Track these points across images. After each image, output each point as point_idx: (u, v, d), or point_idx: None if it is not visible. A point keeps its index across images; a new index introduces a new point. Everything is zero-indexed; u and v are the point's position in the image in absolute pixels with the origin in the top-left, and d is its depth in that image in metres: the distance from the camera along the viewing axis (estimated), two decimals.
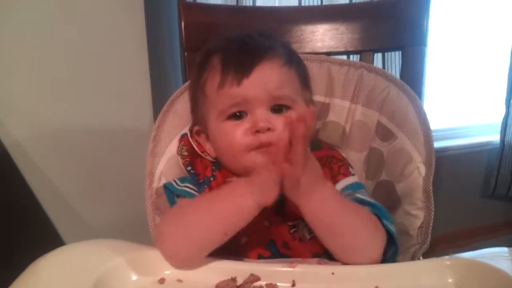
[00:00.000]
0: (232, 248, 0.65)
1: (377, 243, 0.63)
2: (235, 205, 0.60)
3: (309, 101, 0.77)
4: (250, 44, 0.70)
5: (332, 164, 0.73)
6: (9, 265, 0.55)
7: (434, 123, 0.75)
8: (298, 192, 0.58)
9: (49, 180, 1.18)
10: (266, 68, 0.67)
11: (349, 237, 0.62)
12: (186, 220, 0.61)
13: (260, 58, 0.67)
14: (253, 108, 0.67)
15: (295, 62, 0.73)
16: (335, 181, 0.71)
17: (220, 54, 0.70)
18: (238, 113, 0.68)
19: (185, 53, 0.94)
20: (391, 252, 0.65)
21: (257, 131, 0.65)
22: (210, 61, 0.70)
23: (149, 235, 0.75)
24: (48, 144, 1.16)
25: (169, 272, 0.60)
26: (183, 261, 0.60)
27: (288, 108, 0.69)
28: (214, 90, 0.68)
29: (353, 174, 0.74)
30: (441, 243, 0.59)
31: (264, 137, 0.65)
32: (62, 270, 0.55)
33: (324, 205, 0.60)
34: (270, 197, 0.57)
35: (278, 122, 0.66)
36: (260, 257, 0.64)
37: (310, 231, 0.65)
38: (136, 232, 0.78)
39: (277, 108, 0.68)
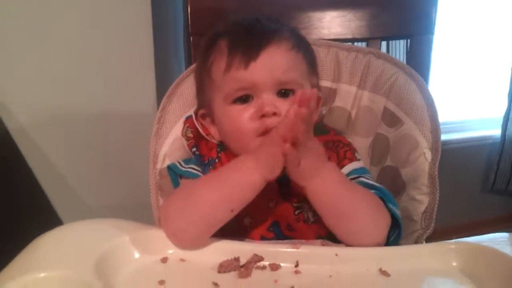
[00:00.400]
0: (236, 230, 0.65)
1: (382, 226, 0.63)
2: (241, 180, 0.60)
3: (316, 86, 0.77)
4: (257, 27, 0.69)
5: (339, 149, 0.73)
6: (10, 246, 0.54)
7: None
8: (299, 174, 0.59)
9: (52, 164, 1.18)
10: (274, 51, 0.67)
11: (353, 220, 0.62)
12: (192, 198, 0.61)
13: (268, 41, 0.67)
14: (259, 92, 0.66)
15: (303, 46, 0.73)
16: (341, 165, 0.71)
17: (227, 38, 0.69)
18: (244, 97, 0.67)
19: (191, 38, 0.93)
20: (394, 236, 0.65)
21: (263, 116, 0.65)
22: (216, 44, 0.70)
23: (152, 217, 0.75)
24: (51, 128, 1.17)
25: (172, 251, 0.60)
26: (189, 240, 0.60)
27: (294, 92, 0.68)
28: (221, 73, 0.68)
29: (359, 159, 0.74)
30: (440, 236, 0.60)
31: (270, 122, 0.65)
32: (63, 248, 0.55)
33: (327, 187, 0.61)
34: (275, 170, 0.58)
35: (285, 106, 0.66)
36: (263, 238, 0.65)
37: (314, 213, 0.65)
38: (139, 214, 0.78)
39: (284, 92, 0.68)
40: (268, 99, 0.66)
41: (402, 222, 0.66)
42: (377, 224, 0.63)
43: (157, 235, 0.60)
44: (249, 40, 0.67)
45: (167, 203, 0.67)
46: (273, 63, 0.66)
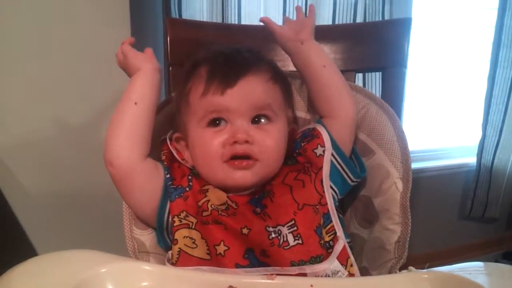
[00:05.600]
0: (210, 259, 0.65)
1: (353, 102, 0.78)
2: (135, 78, 0.71)
3: (292, 119, 0.79)
4: (237, 57, 0.71)
5: (310, 171, 0.73)
6: None
7: (412, 145, 0.77)
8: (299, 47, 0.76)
9: (26, 191, 1.16)
10: (251, 80, 0.69)
11: (331, 86, 0.76)
12: (112, 119, 0.69)
13: (246, 71, 0.69)
14: (234, 119, 0.68)
15: (281, 79, 0.75)
16: (319, 180, 0.72)
17: (207, 65, 0.71)
18: (217, 121, 0.69)
19: (170, 68, 0.95)
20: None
21: (235, 142, 0.66)
22: (196, 71, 0.71)
23: (126, 246, 0.74)
24: (25, 154, 1.15)
25: (146, 283, 0.59)
26: (122, 161, 0.66)
27: (269, 120, 0.70)
28: (197, 97, 0.69)
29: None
30: (418, 263, 0.60)
31: (240, 148, 0.66)
32: (36, 280, 0.54)
33: (319, 50, 0.78)
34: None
35: (259, 135, 0.68)
36: (238, 266, 0.64)
37: (296, 237, 0.65)
38: (116, 244, 0.77)
39: (258, 120, 0.69)
40: (242, 126, 0.67)
41: (376, 252, 0.67)
42: (351, 98, 0.78)
43: (131, 267, 0.60)
44: (228, 68, 0.69)
45: None
46: (250, 90, 0.68)
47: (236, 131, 0.67)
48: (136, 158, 0.67)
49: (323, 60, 0.77)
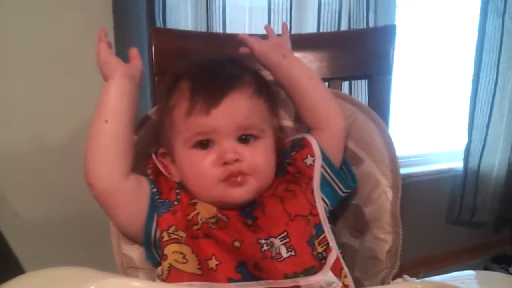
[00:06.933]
0: (202, 274, 0.63)
1: (340, 112, 0.77)
2: (106, 87, 0.66)
3: (277, 128, 0.78)
4: (220, 72, 0.70)
5: (301, 182, 0.72)
6: None
7: (399, 150, 0.77)
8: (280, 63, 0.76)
9: (12, 207, 1.14)
10: (236, 98, 0.67)
11: (317, 97, 0.76)
12: (88, 136, 0.66)
13: (230, 89, 0.67)
14: (220, 139, 0.67)
15: (264, 91, 0.73)
16: (309, 188, 0.71)
17: (189, 80, 0.69)
18: (204, 142, 0.68)
19: (155, 78, 0.93)
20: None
21: (226, 163, 0.66)
22: (178, 86, 0.70)
23: (113, 262, 0.72)
24: (10, 165, 1.13)
25: None
26: (103, 183, 0.64)
27: (255, 138, 0.69)
28: (182, 116, 0.68)
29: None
30: (407, 269, 0.60)
31: (233, 167, 0.66)
32: None
33: (301, 66, 0.77)
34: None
35: (246, 152, 0.67)
36: (231, 280, 0.63)
37: (288, 249, 0.64)
38: (105, 261, 0.75)
39: (244, 138, 0.68)
40: (230, 146, 0.66)
41: (367, 262, 0.66)
42: (337, 107, 0.77)
43: (121, 284, 0.58)
44: (211, 85, 0.67)
45: None
46: (235, 110, 0.67)
47: (224, 151, 0.66)
48: (116, 178, 0.65)
49: (307, 72, 0.77)
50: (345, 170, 0.77)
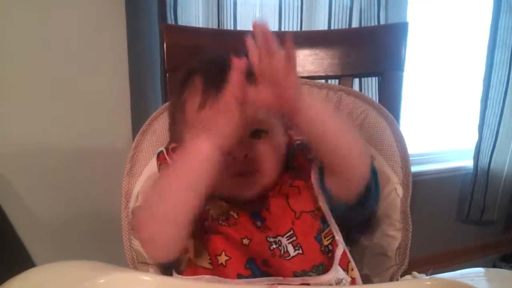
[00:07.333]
0: (212, 269, 0.64)
1: (367, 159, 0.65)
2: (192, 155, 0.60)
3: (287, 123, 0.78)
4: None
5: (306, 176, 0.72)
6: None
7: (409, 148, 0.77)
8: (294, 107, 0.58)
9: (23, 201, 1.15)
10: None
11: (342, 143, 0.62)
12: (155, 197, 0.61)
13: None
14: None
15: None
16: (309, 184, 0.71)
17: (201, 75, 0.70)
18: None
19: (166, 74, 0.94)
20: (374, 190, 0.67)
21: (235, 157, 0.66)
22: (191, 80, 0.70)
23: (124, 257, 0.73)
24: (22, 165, 1.14)
25: None
26: (163, 246, 0.61)
27: (266, 132, 0.70)
28: (194, 110, 0.68)
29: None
30: (415, 266, 0.60)
31: (242, 162, 0.66)
32: None
33: (318, 114, 0.60)
34: (225, 131, 0.58)
35: (255, 147, 0.67)
36: (240, 276, 0.63)
37: (296, 247, 0.65)
38: (112, 254, 0.76)
39: (255, 133, 0.69)
40: (241, 142, 0.66)
41: (376, 259, 0.66)
42: (363, 153, 0.65)
43: (130, 278, 0.59)
44: (223, 79, 0.68)
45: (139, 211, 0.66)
46: (246, 104, 0.67)
47: (235, 147, 0.65)
48: (178, 253, 0.65)
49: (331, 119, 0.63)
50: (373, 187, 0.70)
